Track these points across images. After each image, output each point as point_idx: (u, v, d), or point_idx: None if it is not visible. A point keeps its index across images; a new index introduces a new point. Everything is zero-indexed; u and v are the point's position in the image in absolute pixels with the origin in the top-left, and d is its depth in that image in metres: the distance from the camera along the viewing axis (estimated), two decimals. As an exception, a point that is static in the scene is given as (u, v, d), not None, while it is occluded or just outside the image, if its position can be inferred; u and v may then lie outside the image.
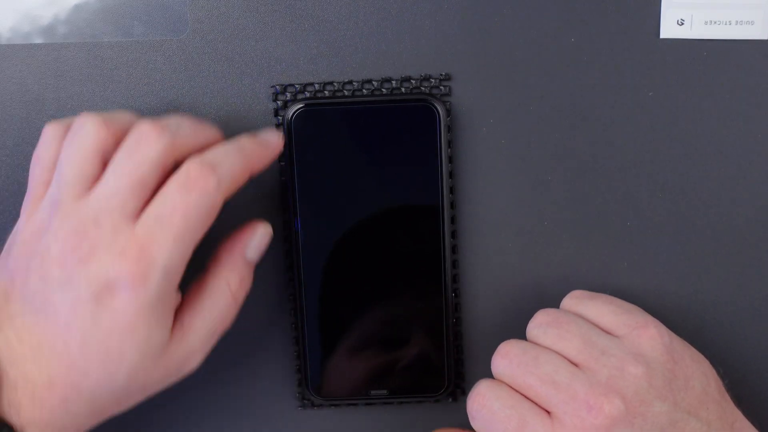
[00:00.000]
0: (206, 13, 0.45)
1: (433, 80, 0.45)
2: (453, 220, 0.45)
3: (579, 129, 0.45)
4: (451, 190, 0.45)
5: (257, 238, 0.41)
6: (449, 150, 0.44)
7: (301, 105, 0.43)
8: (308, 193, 0.44)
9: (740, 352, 0.47)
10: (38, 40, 0.45)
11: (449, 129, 0.44)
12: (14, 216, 0.46)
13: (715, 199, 0.46)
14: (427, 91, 0.44)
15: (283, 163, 0.45)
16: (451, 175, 0.45)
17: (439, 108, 0.43)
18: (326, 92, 0.45)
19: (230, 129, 0.45)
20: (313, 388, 0.46)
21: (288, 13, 0.45)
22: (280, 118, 0.44)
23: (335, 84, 0.45)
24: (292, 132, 0.43)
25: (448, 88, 0.45)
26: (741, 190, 0.46)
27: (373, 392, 0.46)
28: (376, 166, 0.44)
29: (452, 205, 0.45)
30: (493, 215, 0.46)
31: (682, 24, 0.44)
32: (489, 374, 0.48)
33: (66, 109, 0.45)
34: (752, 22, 0.44)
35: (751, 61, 0.45)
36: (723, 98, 0.45)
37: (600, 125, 0.45)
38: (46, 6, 0.44)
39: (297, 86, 0.45)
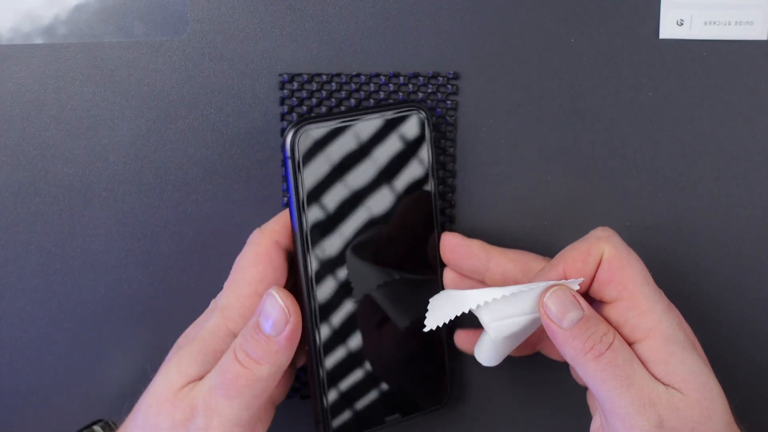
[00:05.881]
0: (206, 13, 0.45)
1: (441, 78, 0.45)
2: (452, 221, 0.45)
3: (579, 129, 0.45)
4: (453, 190, 0.45)
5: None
6: (434, 153, 0.43)
7: (294, 129, 0.41)
8: (312, 218, 0.41)
9: (740, 352, 0.47)
10: (39, 41, 0.45)
11: (453, 125, 0.43)
12: (14, 216, 0.46)
13: (715, 199, 0.46)
14: (433, 91, 0.43)
15: (284, 189, 0.44)
16: (449, 176, 0.44)
17: (424, 112, 0.42)
18: (323, 90, 0.45)
19: (230, 129, 0.45)
20: (333, 429, 0.43)
21: (288, 13, 0.45)
22: (284, 128, 0.42)
23: (343, 76, 0.45)
24: (297, 157, 0.41)
25: (455, 87, 0.45)
26: (741, 190, 0.46)
27: (387, 419, 0.44)
28: (373, 178, 0.42)
29: (451, 205, 0.45)
30: (493, 215, 0.46)
31: (682, 24, 0.45)
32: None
33: (66, 109, 0.45)
34: (752, 23, 0.44)
35: (750, 61, 0.45)
36: (722, 98, 0.45)
37: (600, 125, 0.45)
38: (47, 6, 0.44)
39: (305, 76, 0.45)
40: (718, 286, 0.46)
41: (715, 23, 0.44)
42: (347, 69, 0.45)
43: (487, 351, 0.41)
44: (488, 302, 0.38)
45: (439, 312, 0.40)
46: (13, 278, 0.46)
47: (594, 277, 0.39)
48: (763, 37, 0.44)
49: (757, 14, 0.44)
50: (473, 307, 0.38)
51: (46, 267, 0.46)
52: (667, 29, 0.45)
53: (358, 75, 0.45)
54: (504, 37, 0.45)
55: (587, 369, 0.37)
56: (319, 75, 0.45)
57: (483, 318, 0.39)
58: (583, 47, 0.45)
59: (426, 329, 0.39)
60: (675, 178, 0.46)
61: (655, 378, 0.37)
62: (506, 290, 0.38)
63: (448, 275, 0.43)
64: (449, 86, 0.45)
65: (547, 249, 0.46)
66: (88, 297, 0.47)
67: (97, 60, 0.45)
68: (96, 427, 0.44)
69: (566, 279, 0.39)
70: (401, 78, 0.45)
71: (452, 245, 0.43)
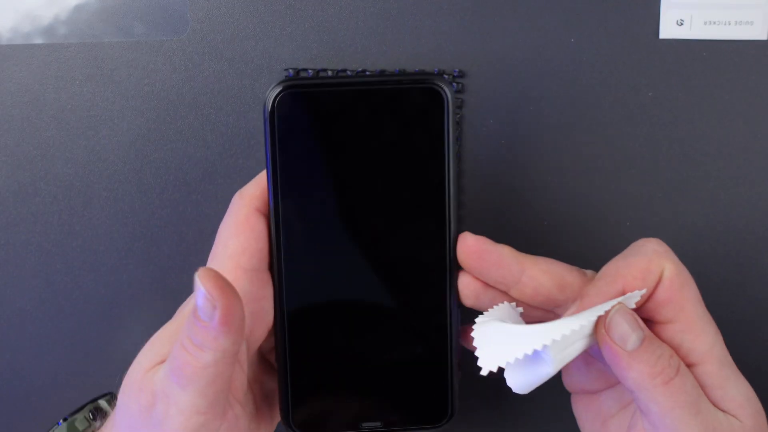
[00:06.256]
0: (206, 13, 0.45)
1: (446, 76, 0.45)
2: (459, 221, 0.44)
3: (579, 129, 0.45)
4: (459, 189, 0.41)
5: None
6: (454, 138, 0.37)
7: (282, 88, 0.35)
8: (292, 194, 0.36)
9: (740, 353, 0.47)
10: (39, 41, 0.45)
11: (458, 123, 0.38)
12: (14, 216, 0.46)
13: (715, 199, 0.46)
14: (434, 73, 0.38)
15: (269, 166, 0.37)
16: (457, 172, 0.38)
17: (446, 90, 0.35)
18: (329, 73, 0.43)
19: (230, 129, 0.45)
20: (296, 423, 0.38)
21: (288, 13, 0.45)
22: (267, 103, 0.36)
23: (348, 71, 0.44)
24: (275, 121, 0.35)
25: (461, 86, 0.45)
26: (741, 190, 0.46)
27: (365, 425, 0.38)
28: (373, 161, 0.36)
29: (458, 206, 0.42)
30: (493, 215, 0.46)
31: (682, 24, 0.45)
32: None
33: (66, 110, 0.45)
34: (751, 23, 0.44)
35: (750, 61, 0.45)
36: (723, 98, 0.45)
37: (600, 125, 0.45)
38: (47, 6, 0.44)
39: (310, 71, 0.44)
40: (718, 286, 0.46)
41: (715, 23, 0.44)
42: (350, 68, 0.45)
43: (531, 379, 0.35)
44: (557, 339, 0.33)
45: (496, 351, 0.34)
46: (13, 278, 0.46)
47: (651, 295, 0.36)
48: (763, 37, 0.44)
49: (757, 14, 0.44)
50: (547, 344, 0.33)
51: (46, 267, 0.46)
52: (667, 29, 0.45)
53: (363, 71, 0.45)
54: (503, 38, 0.45)
55: (654, 395, 0.34)
56: (325, 70, 0.45)
57: (550, 353, 0.34)
58: (583, 47, 0.45)
59: (483, 372, 0.33)
60: (675, 178, 0.46)
61: (713, 404, 0.36)
62: (574, 323, 0.34)
63: (467, 283, 0.38)
64: (455, 84, 0.45)
65: (547, 249, 0.46)
66: (88, 297, 0.47)
67: (97, 60, 0.45)
68: (101, 401, 0.43)
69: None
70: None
71: (478, 250, 0.37)
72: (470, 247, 0.37)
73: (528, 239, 0.46)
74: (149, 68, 0.45)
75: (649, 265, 0.36)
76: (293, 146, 0.35)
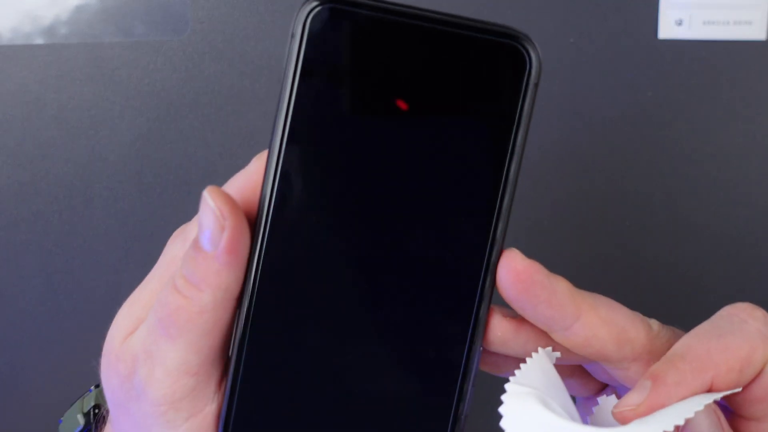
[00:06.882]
0: (206, 14, 0.45)
1: None
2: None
3: (579, 129, 0.45)
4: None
5: None
6: (529, 116, 0.27)
7: (314, 2, 0.25)
8: (300, 151, 0.27)
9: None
10: (39, 41, 0.45)
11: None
12: (14, 216, 0.46)
13: (715, 199, 0.46)
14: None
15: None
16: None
17: (531, 54, 0.26)
18: None
19: (230, 129, 0.45)
20: None
21: (288, 13, 0.45)
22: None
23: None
24: (302, 43, 0.25)
25: None
26: (741, 190, 0.46)
27: None
28: (417, 126, 0.27)
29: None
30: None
31: (681, 24, 0.45)
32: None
33: (66, 109, 0.45)
34: (750, 23, 0.44)
35: (749, 61, 0.45)
36: (722, 98, 0.45)
37: (600, 125, 0.45)
38: (48, 7, 0.45)
39: None
40: (718, 286, 0.46)
41: (713, 23, 0.44)
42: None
43: None
44: None
45: None
46: (13, 278, 0.46)
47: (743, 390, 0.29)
48: (762, 37, 0.45)
49: (756, 14, 0.44)
50: None
51: (46, 267, 0.46)
52: (666, 29, 0.45)
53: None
54: (503, 37, 0.45)
55: None
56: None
57: None
58: (583, 47, 0.45)
59: None
60: (675, 178, 0.46)
61: None
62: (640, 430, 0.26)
63: (496, 323, 0.29)
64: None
65: (547, 249, 0.46)
66: (88, 297, 0.47)
67: (97, 60, 0.45)
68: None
69: (711, 390, 0.28)
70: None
71: (528, 279, 0.28)
72: (518, 273, 0.28)
73: (528, 239, 0.46)
74: (149, 68, 0.45)
75: (752, 354, 0.28)
76: (320, 83, 0.26)
